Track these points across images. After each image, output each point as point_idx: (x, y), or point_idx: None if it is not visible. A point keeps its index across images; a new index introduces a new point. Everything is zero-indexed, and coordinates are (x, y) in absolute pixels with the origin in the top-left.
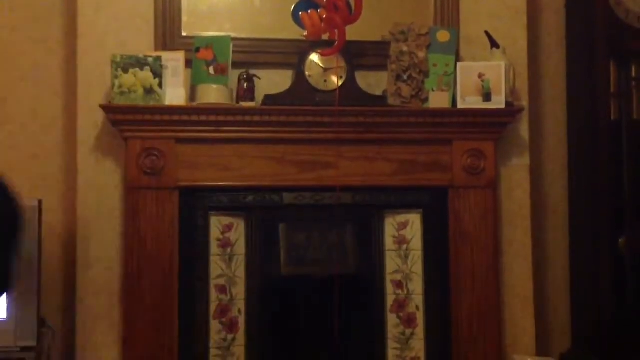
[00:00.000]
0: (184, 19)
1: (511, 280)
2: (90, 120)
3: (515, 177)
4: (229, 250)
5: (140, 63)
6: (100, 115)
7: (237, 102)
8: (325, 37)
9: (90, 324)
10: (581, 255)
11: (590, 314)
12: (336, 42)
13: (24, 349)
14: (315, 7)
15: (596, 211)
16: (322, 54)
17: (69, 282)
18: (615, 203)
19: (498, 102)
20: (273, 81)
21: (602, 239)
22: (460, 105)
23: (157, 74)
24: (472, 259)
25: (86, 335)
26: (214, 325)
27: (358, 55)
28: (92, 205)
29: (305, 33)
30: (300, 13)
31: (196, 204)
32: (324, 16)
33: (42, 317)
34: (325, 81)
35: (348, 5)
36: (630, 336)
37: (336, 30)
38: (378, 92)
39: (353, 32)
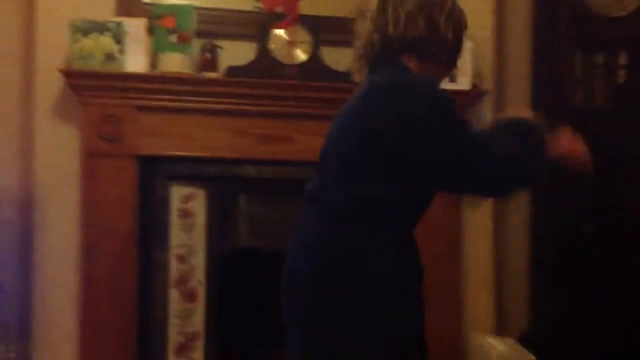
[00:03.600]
0: None
1: (472, 259)
2: (49, 84)
3: None
4: (189, 220)
5: (100, 28)
6: (59, 79)
7: (199, 72)
8: (279, 9)
9: (48, 290)
10: (543, 239)
11: (550, 297)
12: (289, 16)
13: None
14: None
15: (559, 196)
16: (274, 27)
17: (26, 246)
18: (579, 189)
19: (463, 83)
20: (235, 53)
21: (565, 224)
22: None
23: (119, 40)
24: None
25: (43, 300)
26: (173, 293)
27: (325, 31)
28: (50, 170)
29: (261, 5)
30: None
31: (156, 173)
32: None
33: None
34: (290, 55)
35: None
36: (589, 320)
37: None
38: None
39: (322, 7)
